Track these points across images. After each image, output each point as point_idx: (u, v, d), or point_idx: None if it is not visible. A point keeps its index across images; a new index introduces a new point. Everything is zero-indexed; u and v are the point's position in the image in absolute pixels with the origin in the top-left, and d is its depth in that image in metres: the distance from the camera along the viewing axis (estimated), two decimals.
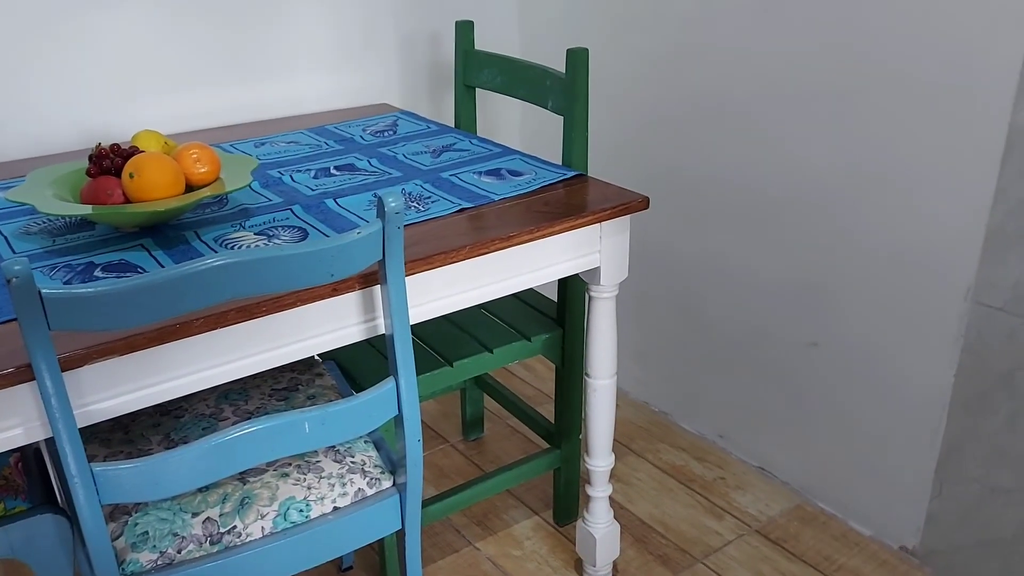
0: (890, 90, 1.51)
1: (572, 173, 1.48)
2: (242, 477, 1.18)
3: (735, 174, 1.83)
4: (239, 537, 1.13)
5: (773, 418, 1.91)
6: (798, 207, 1.72)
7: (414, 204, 1.35)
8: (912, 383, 1.62)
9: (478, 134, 1.83)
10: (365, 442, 1.29)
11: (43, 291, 0.86)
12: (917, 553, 1.69)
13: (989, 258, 1.44)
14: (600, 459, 1.57)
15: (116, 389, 1.01)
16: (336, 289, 1.10)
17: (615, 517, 1.64)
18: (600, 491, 1.60)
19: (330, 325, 1.14)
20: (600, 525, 1.62)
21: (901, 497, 1.69)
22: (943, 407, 1.57)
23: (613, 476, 1.63)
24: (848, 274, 1.67)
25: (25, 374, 0.92)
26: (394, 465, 1.26)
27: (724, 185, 1.86)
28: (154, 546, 1.09)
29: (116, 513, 1.12)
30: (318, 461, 1.23)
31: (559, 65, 1.55)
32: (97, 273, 1.12)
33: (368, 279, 1.12)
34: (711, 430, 2.08)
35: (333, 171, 1.51)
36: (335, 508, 1.20)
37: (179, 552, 1.10)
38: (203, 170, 1.26)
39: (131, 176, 1.19)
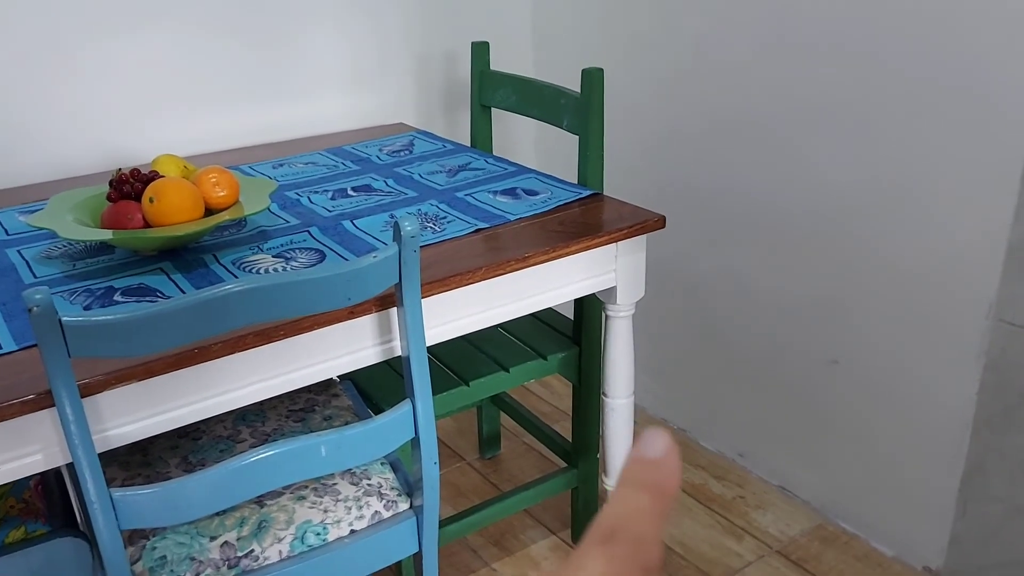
0: (908, 105, 1.50)
1: (588, 192, 1.48)
2: (259, 500, 1.19)
3: (752, 190, 1.82)
4: (256, 561, 1.13)
5: (793, 436, 1.89)
6: (816, 223, 1.71)
7: (430, 224, 1.35)
8: (934, 401, 1.60)
9: (494, 153, 1.83)
10: (382, 464, 1.29)
11: (63, 319, 0.87)
12: (941, 574, 1.67)
13: (1011, 275, 1.43)
14: None
15: (135, 414, 1.01)
16: (353, 312, 1.10)
17: None
18: None
19: (347, 348, 1.14)
20: None
21: (924, 516, 1.67)
22: (966, 425, 1.55)
23: None
24: (868, 291, 1.66)
25: (45, 400, 0.93)
26: (411, 487, 1.26)
27: (741, 202, 1.85)
28: (172, 570, 1.09)
29: (135, 537, 1.12)
30: (335, 484, 1.23)
31: (573, 85, 1.55)
32: (117, 297, 1.12)
33: (384, 301, 1.12)
34: (730, 448, 2.06)
35: (350, 192, 1.52)
36: (352, 531, 1.19)
37: None
38: (222, 194, 1.26)
39: (151, 201, 1.20)
